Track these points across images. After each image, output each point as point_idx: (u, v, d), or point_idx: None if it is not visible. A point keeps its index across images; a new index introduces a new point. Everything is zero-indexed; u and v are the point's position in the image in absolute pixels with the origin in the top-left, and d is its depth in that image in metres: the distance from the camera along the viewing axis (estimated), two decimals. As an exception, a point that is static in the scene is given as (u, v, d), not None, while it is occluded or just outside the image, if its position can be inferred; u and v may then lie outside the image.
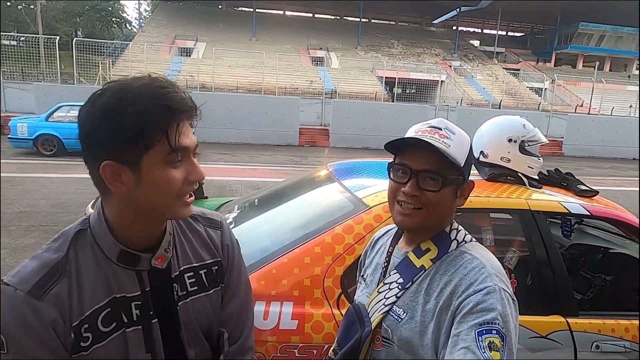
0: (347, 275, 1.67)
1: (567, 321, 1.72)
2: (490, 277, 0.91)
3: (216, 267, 1.00)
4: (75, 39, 17.75)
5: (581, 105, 27.73)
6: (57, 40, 16.22)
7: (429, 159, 0.96)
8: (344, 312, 1.60)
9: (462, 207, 1.07)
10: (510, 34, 50.20)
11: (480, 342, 0.82)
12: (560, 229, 2.71)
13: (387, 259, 1.11)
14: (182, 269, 0.93)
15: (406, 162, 0.99)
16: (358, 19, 39.10)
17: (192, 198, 0.85)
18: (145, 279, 0.87)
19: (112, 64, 23.07)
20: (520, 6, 37.25)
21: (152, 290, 0.87)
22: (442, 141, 0.97)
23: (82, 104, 0.79)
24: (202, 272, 0.97)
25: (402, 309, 0.99)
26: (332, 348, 1.13)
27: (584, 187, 2.09)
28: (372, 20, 44.56)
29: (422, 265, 1.01)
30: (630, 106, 22.97)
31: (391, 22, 46.60)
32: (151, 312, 0.86)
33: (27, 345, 0.75)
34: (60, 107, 10.77)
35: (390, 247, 1.13)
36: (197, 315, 0.94)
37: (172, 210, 0.83)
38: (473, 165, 1.93)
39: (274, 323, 1.56)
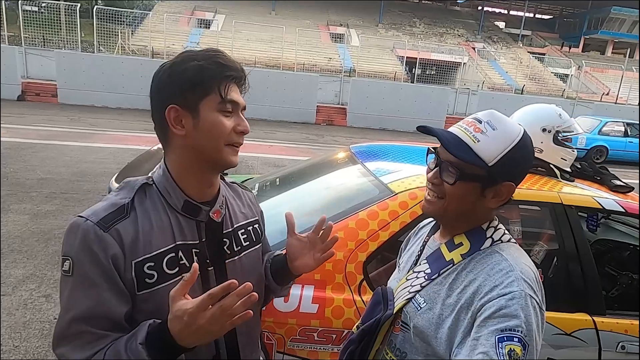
0: (370, 261, 1.65)
1: (593, 319, 1.68)
2: (517, 281, 0.87)
3: (257, 225, 1.14)
4: (95, 6, 17.68)
5: (607, 94, 26.80)
6: (78, 8, 16.16)
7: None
8: (365, 298, 1.59)
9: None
10: (537, 16, 48.29)
11: (500, 349, 0.80)
12: (586, 223, 2.64)
13: (421, 248, 1.12)
14: (235, 226, 1.05)
15: (439, 150, 0.99)
16: (381, -4, 38.09)
17: (238, 150, 0.96)
18: (202, 229, 0.97)
19: (132, 34, 22.98)
20: (550, -13, 35.77)
21: (207, 241, 0.97)
22: (473, 135, 0.94)
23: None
24: (249, 228, 1.10)
25: (423, 299, 1.00)
26: (356, 324, 1.16)
27: (618, 183, 2.02)
28: (395, -3, 43.30)
29: (452, 259, 1.00)
30: (660, 96, 22.10)
31: (414, 0, 45.21)
32: (207, 260, 0.96)
33: (89, 271, 0.83)
34: (606, 122, 13.25)
35: (427, 237, 1.13)
36: (247, 268, 1.05)
37: (222, 155, 0.93)
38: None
39: (295, 306, 1.56)
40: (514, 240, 1.02)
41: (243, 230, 1.07)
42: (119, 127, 10.48)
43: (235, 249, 1.03)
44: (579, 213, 2.57)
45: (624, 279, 2.28)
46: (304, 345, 1.56)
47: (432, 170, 1.01)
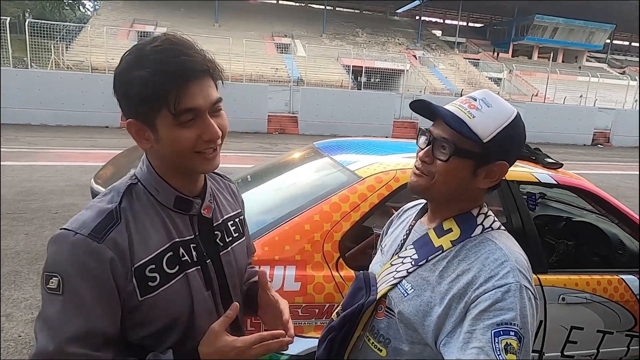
0: (345, 240, 1.80)
1: (538, 277, 1.93)
2: (512, 272, 0.86)
3: (242, 217, 1.12)
4: (28, 20, 16.74)
5: (536, 95, 29.03)
6: (7, 22, 15.23)
7: (449, 127, 0.92)
8: (342, 273, 1.74)
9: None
10: (470, 24, 51.53)
11: (496, 344, 0.79)
12: (526, 202, 2.95)
13: (407, 232, 1.09)
14: (224, 218, 1.03)
15: (430, 129, 0.97)
16: (323, 7, 39.00)
17: (216, 153, 0.88)
18: (195, 223, 0.94)
19: (66, 48, 21.92)
20: (480, -3, 38.29)
21: (200, 234, 0.94)
22: (468, 111, 0.91)
23: None
24: (237, 220, 1.08)
25: (410, 284, 0.97)
26: (335, 311, 1.13)
27: (550, 160, 2.32)
28: (337, 8, 44.28)
29: (441, 245, 0.97)
30: (581, 96, 24.27)
31: (356, 10, 46.55)
32: (205, 254, 0.94)
33: (82, 288, 0.77)
34: None
35: (413, 221, 1.10)
36: (238, 260, 1.04)
37: (194, 164, 0.86)
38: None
39: (279, 285, 1.67)
40: (504, 228, 1.00)
41: (232, 222, 1.05)
42: (62, 145, 9.98)
43: (227, 240, 1.01)
44: (520, 188, 2.89)
45: (560, 246, 2.59)
46: (289, 321, 1.68)
47: (424, 149, 0.97)
